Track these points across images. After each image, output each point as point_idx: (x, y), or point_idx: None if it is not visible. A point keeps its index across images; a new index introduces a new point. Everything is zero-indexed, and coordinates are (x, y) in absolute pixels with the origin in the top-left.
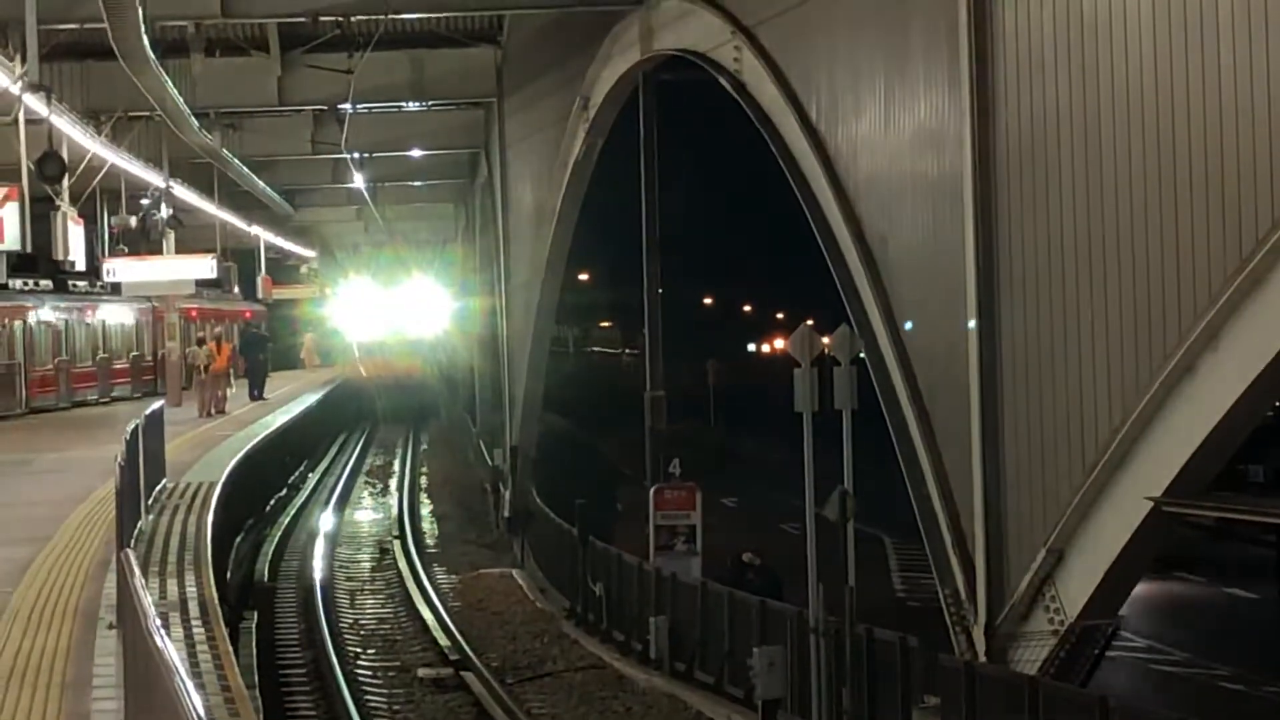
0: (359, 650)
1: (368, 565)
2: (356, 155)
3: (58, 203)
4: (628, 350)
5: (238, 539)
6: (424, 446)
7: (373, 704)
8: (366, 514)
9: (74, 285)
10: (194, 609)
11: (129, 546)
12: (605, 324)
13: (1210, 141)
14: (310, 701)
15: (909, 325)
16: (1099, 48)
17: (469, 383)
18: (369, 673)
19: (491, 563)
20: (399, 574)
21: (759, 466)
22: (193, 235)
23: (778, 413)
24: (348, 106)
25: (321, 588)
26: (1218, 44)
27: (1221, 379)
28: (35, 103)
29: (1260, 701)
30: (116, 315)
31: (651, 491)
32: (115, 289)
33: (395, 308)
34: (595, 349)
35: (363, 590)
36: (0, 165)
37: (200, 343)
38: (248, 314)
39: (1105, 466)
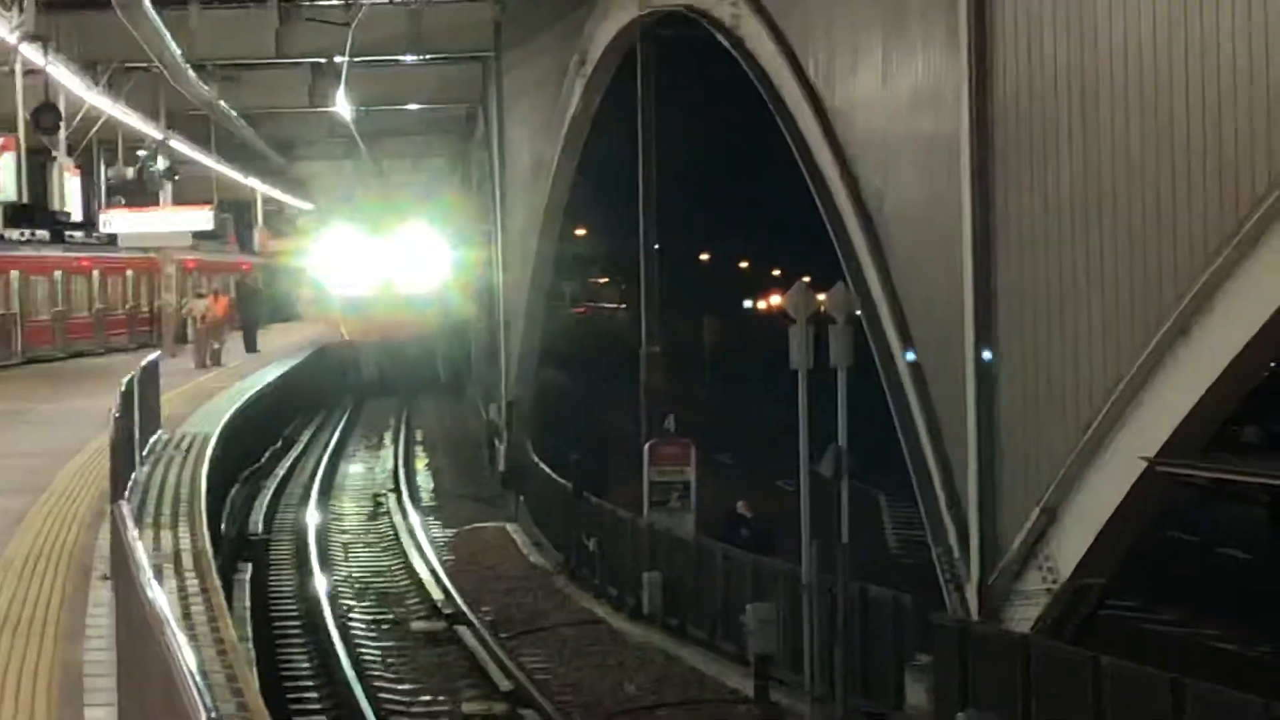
0: (353, 603)
1: (363, 518)
2: (350, 108)
3: (54, 154)
4: (623, 306)
5: (232, 491)
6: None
7: (366, 657)
8: (361, 466)
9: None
10: (188, 560)
11: (123, 498)
12: (602, 279)
13: (1208, 102)
14: (304, 654)
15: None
16: (1097, 7)
17: (466, 338)
18: (362, 626)
19: (486, 517)
20: (393, 527)
21: (755, 423)
22: (189, 187)
23: (774, 369)
24: (345, 59)
25: (316, 540)
26: (1216, 5)
27: (1217, 340)
28: (32, 53)
29: (1253, 662)
30: None
31: (647, 447)
32: (112, 240)
33: (386, 258)
34: (592, 304)
35: (357, 543)
36: None
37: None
38: (245, 266)
39: (1100, 426)
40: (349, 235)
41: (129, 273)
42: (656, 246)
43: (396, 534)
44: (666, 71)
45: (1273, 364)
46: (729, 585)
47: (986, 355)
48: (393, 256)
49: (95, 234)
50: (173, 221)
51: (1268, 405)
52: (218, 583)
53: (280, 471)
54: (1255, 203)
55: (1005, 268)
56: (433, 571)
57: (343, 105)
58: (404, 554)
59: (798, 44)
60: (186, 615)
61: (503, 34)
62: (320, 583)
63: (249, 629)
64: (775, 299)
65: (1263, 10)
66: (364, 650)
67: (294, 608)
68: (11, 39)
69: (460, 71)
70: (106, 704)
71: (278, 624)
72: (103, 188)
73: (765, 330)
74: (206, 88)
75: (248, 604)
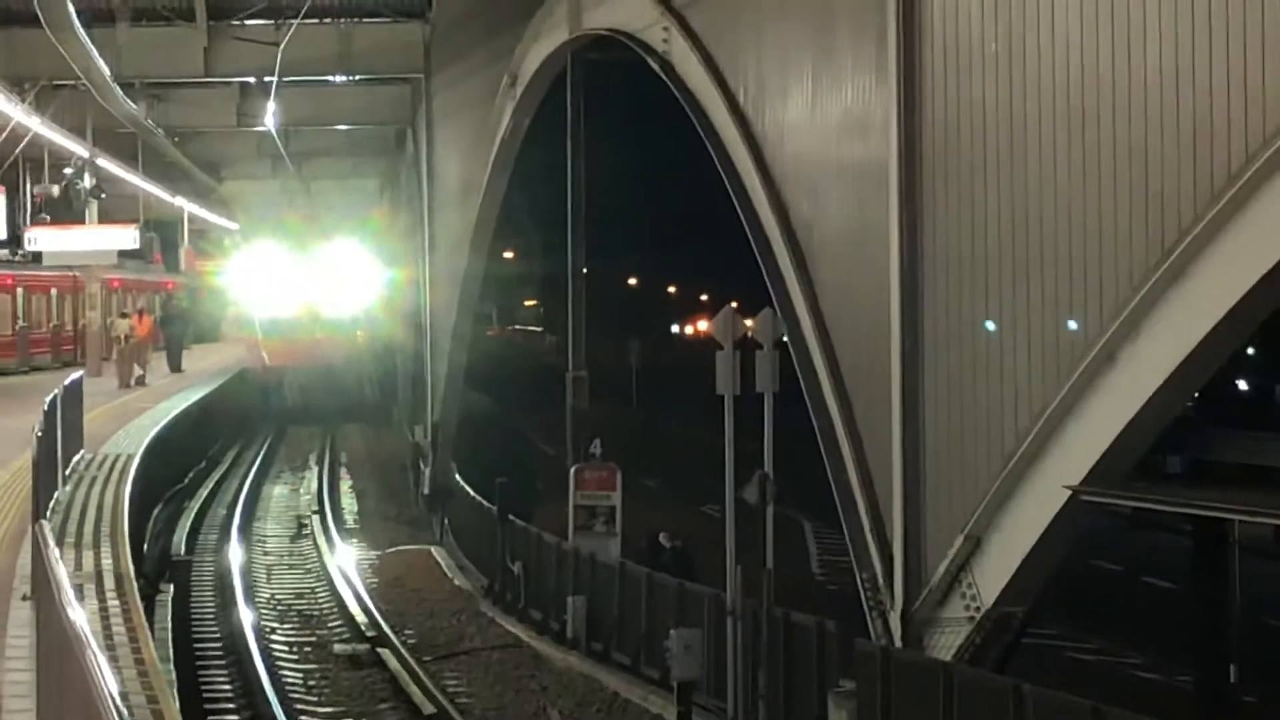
0: (275, 625)
1: (286, 540)
2: (278, 127)
3: None
4: (549, 335)
5: (155, 511)
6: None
7: (288, 679)
8: (285, 488)
9: None
10: (109, 581)
11: (45, 518)
12: (530, 302)
13: (1135, 132)
14: (225, 676)
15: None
16: (1026, 36)
17: (392, 360)
18: (285, 648)
19: (410, 539)
20: (317, 549)
21: (681, 448)
22: (116, 206)
23: (700, 394)
24: (274, 79)
25: (239, 562)
26: (1144, 36)
27: (1141, 369)
28: None
29: (1174, 690)
30: None
31: (572, 471)
32: (36, 257)
33: (313, 279)
34: (519, 327)
35: (281, 565)
36: None
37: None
38: (170, 285)
39: (1024, 454)
40: (275, 255)
41: (53, 291)
42: (585, 270)
43: (320, 556)
44: (597, 94)
45: (1196, 394)
46: (653, 610)
47: (913, 381)
48: (319, 277)
49: (20, 251)
50: (98, 240)
51: (1191, 435)
52: (139, 603)
53: (204, 492)
54: (1181, 234)
55: (932, 294)
56: (356, 594)
57: (271, 125)
58: (327, 576)
59: (727, 69)
60: (108, 636)
61: (432, 55)
62: (243, 604)
63: (170, 650)
64: (703, 324)
65: (1189, 44)
66: (286, 672)
67: (216, 629)
68: None
69: (390, 92)
70: None
71: (199, 646)
72: (28, 205)
73: (692, 354)
74: (134, 106)
75: (169, 625)
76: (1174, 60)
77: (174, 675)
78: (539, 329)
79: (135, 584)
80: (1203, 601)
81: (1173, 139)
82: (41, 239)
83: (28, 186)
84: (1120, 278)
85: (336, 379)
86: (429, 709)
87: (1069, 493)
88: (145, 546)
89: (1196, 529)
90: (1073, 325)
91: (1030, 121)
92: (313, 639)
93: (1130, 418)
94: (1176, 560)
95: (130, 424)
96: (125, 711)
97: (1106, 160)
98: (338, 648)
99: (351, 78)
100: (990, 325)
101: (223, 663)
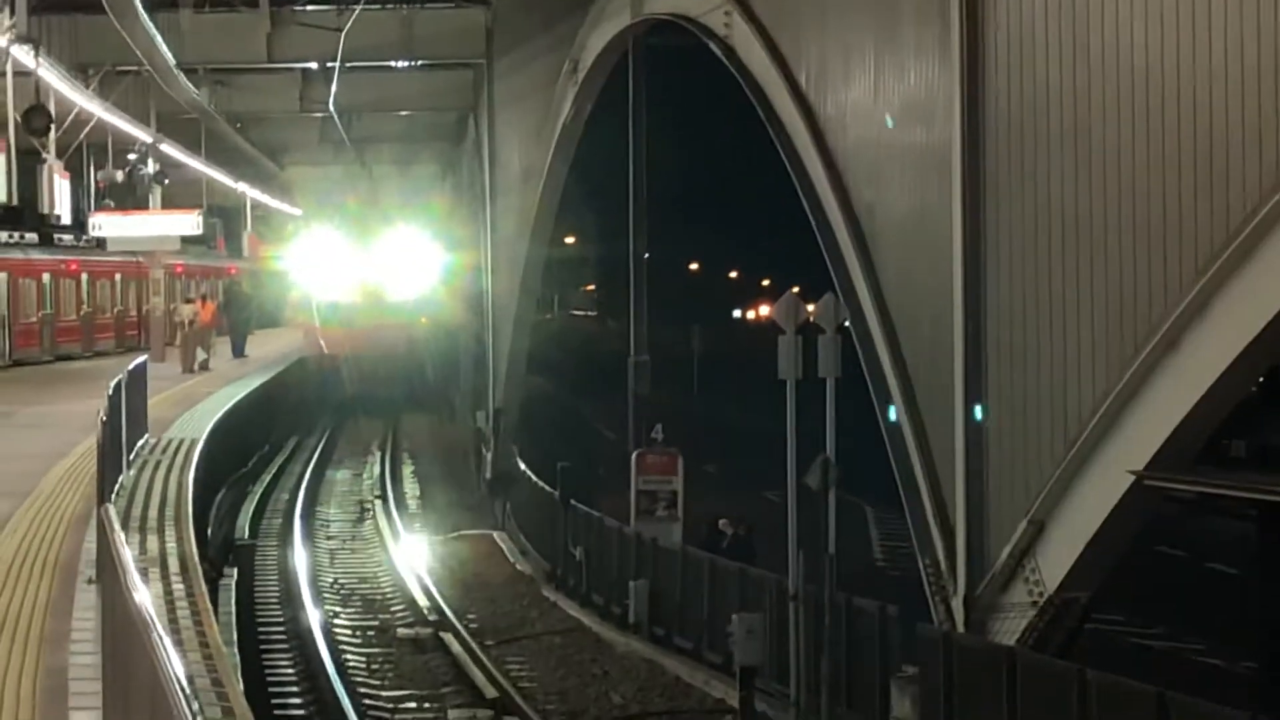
0: (338, 609)
1: (349, 524)
2: (340, 113)
3: (44, 156)
4: (610, 320)
5: (219, 495)
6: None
7: (351, 663)
8: (348, 472)
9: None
10: (174, 565)
11: (109, 502)
12: (588, 287)
13: (1200, 115)
14: (288, 659)
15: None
16: (1090, 19)
17: (455, 346)
18: (348, 631)
19: (473, 524)
20: (379, 533)
21: (742, 433)
22: (179, 191)
23: (762, 379)
24: (336, 64)
25: (301, 545)
26: (1209, 18)
27: (1206, 354)
28: (23, 55)
29: (1237, 677)
30: None
31: (634, 456)
32: (100, 243)
33: (375, 264)
34: (577, 311)
35: (343, 549)
36: None
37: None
38: (233, 270)
39: (1088, 439)
40: (336, 241)
41: (117, 276)
42: (646, 256)
43: (383, 540)
44: (659, 79)
45: (1261, 378)
46: (715, 595)
47: (975, 365)
48: (381, 262)
49: (84, 237)
50: (161, 225)
51: (1255, 419)
52: (203, 587)
53: (267, 477)
54: (1246, 217)
55: (995, 280)
56: (418, 578)
57: (333, 110)
58: (390, 561)
59: (790, 53)
60: (172, 619)
61: (494, 41)
62: (305, 588)
63: (234, 634)
64: (764, 309)
65: (1255, 27)
66: (349, 656)
67: (279, 612)
68: (2, 41)
69: (451, 77)
70: (91, 708)
71: (263, 629)
72: (92, 191)
73: (755, 340)
74: (197, 92)
75: (233, 608)
76: (1239, 42)
77: (238, 658)
78: (595, 314)
79: (199, 567)
80: (1267, 587)
81: (1238, 120)
82: (105, 225)
83: (92, 172)
84: (1185, 261)
85: (398, 366)
86: (491, 692)
87: (1133, 478)
88: (209, 530)
89: (1261, 514)
90: (1136, 309)
91: (1094, 103)
92: (375, 623)
93: (1195, 402)
94: (1241, 545)
95: (194, 409)
96: (191, 693)
97: (1171, 142)
98: (401, 631)
99: (413, 63)
100: (1053, 308)
101: (286, 646)
